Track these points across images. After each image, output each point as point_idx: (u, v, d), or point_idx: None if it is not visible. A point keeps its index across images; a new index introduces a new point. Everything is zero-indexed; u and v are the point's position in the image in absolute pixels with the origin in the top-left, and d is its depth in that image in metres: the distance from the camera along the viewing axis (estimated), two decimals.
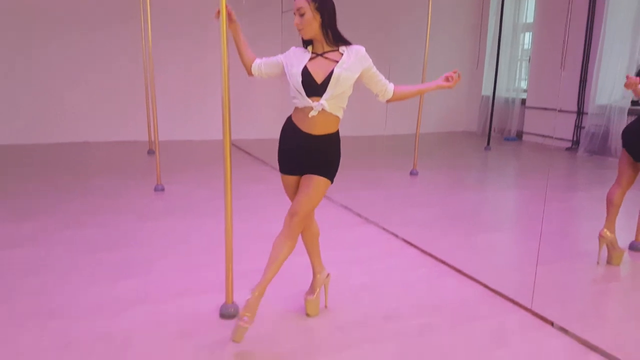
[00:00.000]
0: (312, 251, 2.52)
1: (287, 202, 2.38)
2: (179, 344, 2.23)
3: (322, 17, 2.11)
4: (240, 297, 2.41)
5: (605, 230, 3.22)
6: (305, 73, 2.13)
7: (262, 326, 2.30)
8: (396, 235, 3.78)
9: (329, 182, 2.29)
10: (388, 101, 2.45)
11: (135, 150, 7.04)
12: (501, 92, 8.80)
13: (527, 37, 8.79)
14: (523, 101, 8.68)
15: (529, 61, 8.56)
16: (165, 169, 5.15)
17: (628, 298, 2.97)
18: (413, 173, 5.93)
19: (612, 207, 3.23)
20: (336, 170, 2.34)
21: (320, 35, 2.16)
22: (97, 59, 7.40)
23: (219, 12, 2.22)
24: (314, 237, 2.49)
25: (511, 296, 2.75)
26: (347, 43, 2.22)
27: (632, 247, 3.56)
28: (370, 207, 4.38)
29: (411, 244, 3.59)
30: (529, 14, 8.69)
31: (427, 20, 5.75)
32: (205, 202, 4.50)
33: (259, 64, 2.31)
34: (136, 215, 4.12)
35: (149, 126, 6.85)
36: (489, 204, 5.12)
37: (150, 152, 6.81)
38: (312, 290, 2.52)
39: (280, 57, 2.28)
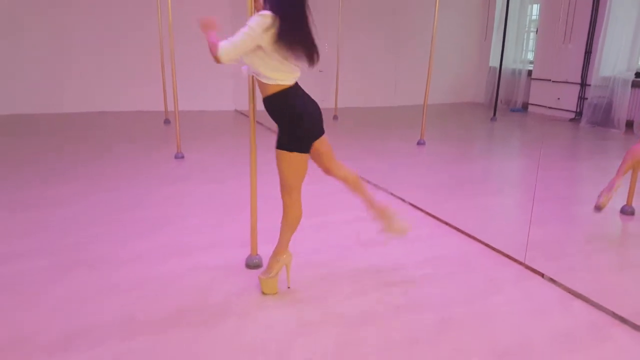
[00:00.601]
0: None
1: None
2: (211, 288, 2.53)
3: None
4: (263, 250, 2.72)
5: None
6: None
7: (283, 276, 2.59)
8: (403, 200, 4.05)
9: (283, 152, 2.32)
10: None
11: (152, 119, 7.31)
12: (508, 64, 8.94)
13: (535, 9, 8.88)
14: (529, 73, 8.82)
15: (536, 33, 8.67)
16: (182, 137, 5.43)
17: (615, 254, 3.25)
18: (420, 143, 6.16)
19: (630, 160, 3.42)
20: (289, 138, 2.31)
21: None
22: (113, 29, 7.62)
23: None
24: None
25: (506, 252, 3.04)
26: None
27: (623, 210, 3.81)
28: (378, 175, 4.63)
29: (417, 207, 3.87)
30: None
31: None
32: (225, 167, 4.81)
33: (229, 44, 2.23)
34: (161, 179, 4.42)
35: (165, 96, 7.10)
36: (491, 172, 5.37)
37: (167, 121, 7.08)
38: (270, 268, 2.51)
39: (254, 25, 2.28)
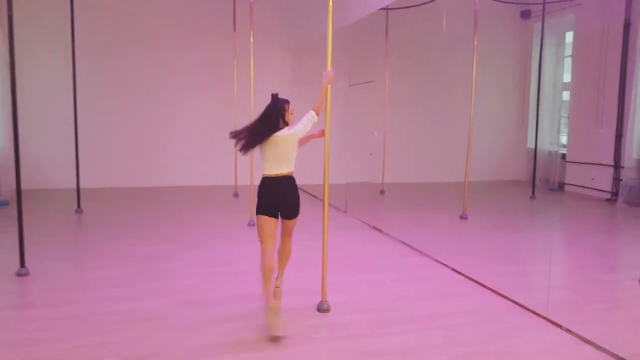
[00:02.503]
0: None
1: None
2: (291, 324, 3.28)
3: None
4: (331, 298, 3.48)
5: None
6: None
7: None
8: (445, 265, 4.73)
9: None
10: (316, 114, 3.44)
11: (222, 192, 8.36)
12: (544, 146, 9.63)
13: (567, 95, 9.66)
14: (563, 155, 9.48)
15: (568, 117, 9.40)
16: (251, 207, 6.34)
17: (626, 313, 3.80)
18: (463, 217, 6.83)
19: None
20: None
21: None
22: (191, 115, 8.91)
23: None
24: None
25: (531, 307, 3.66)
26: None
27: None
28: (423, 242, 5.34)
29: (457, 271, 4.53)
30: (566, 75, 9.60)
31: (472, 77, 6.80)
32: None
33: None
34: (239, 241, 5.32)
35: (236, 172, 8.16)
36: (527, 243, 5.95)
37: (236, 194, 8.11)
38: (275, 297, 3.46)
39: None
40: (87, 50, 7.90)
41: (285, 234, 3.54)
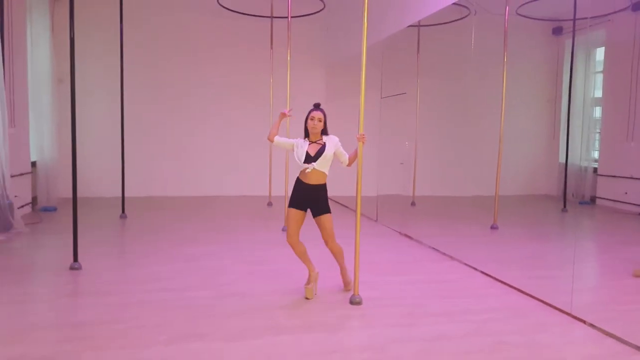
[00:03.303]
0: (303, 258, 3.92)
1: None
2: (326, 313, 3.50)
3: (324, 125, 3.84)
4: (363, 294, 3.69)
5: None
6: (307, 153, 3.81)
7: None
8: (475, 268, 4.88)
9: (330, 214, 3.85)
10: (347, 165, 3.98)
11: (256, 202, 8.68)
12: (575, 160, 9.66)
13: (598, 111, 9.70)
14: (595, 169, 9.48)
15: (600, 132, 9.43)
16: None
17: None
18: (493, 227, 6.94)
19: None
20: (328, 205, 3.89)
21: (318, 133, 3.82)
22: (228, 129, 9.31)
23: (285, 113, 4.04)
24: (302, 253, 3.92)
25: (553, 303, 3.79)
26: (326, 134, 3.87)
27: None
28: (453, 248, 5.50)
29: (486, 274, 4.68)
30: (597, 90, 9.65)
31: (502, 93, 6.98)
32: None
33: (278, 139, 3.96)
34: (276, 243, 5.58)
35: (270, 183, 8.48)
36: (556, 251, 6.04)
37: (269, 204, 8.41)
38: (308, 281, 3.88)
39: (292, 141, 3.94)
40: (134, 69, 8.41)
41: (325, 236, 3.87)
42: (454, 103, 10.24)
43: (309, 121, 3.81)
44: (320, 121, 3.81)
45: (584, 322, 3.52)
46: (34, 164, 7.58)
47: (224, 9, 8.62)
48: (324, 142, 3.84)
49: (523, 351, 3.02)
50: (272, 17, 8.83)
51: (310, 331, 3.22)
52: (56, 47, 7.86)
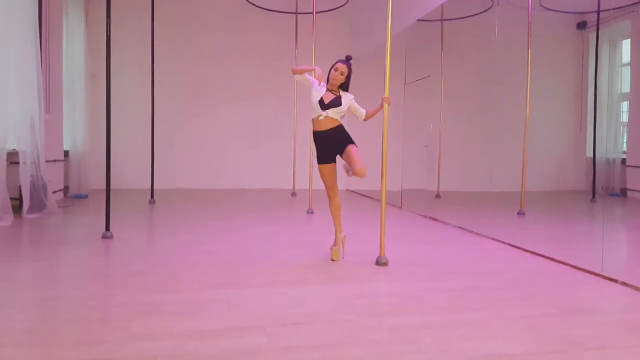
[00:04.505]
0: (336, 218, 3.89)
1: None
2: (356, 270, 3.54)
3: (346, 80, 3.83)
4: (389, 257, 3.71)
5: None
6: (321, 99, 3.77)
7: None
8: (502, 241, 4.85)
9: (355, 145, 3.80)
10: (364, 120, 3.93)
11: (281, 194, 8.77)
12: (603, 153, 9.52)
13: (625, 105, 9.56)
14: (623, 160, 9.32)
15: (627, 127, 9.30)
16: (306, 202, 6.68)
17: None
18: (520, 213, 6.88)
19: None
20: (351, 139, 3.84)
21: (337, 85, 3.82)
22: (253, 123, 9.46)
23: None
24: (337, 208, 3.90)
25: (584, 267, 3.75)
26: (344, 90, 3.88)
27: None
28: (480, 226, 5.47)
29: (514, 246, 4.65)
30: (624, 82, 9.53)
31: (527, 87, 6.96)
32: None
33: (304, 76, 3.90)
34: (304, 224, 5.64)
35: (294, 175, 8.57)
36: (583, 231, 5.96)
37: (293, 194, 8.50)
38: (335, 243, 3.88)
39: (313, 81, 3.88)
40: (164, 66, 8.64)
41: (351, 157, 3.76)
42: (478, 98, 10.22)
43: (332, 71, 3.81)
44: (342, 74, 3.78)
45: (616, 281, 3.48)
46: (66, 153, 7.81)
47: (249, 5, 8.82)
48: (340, 95, 3.84)
49: (556, 299, 3.00)
50: (297, 12, 9.00)
51: (338, 283, 3.26)
52: (90, 42, 8.14)
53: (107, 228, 4.61)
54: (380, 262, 3.75)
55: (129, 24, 8.91)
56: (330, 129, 3.79)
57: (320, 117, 3.77)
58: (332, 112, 3.76)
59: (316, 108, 3.79)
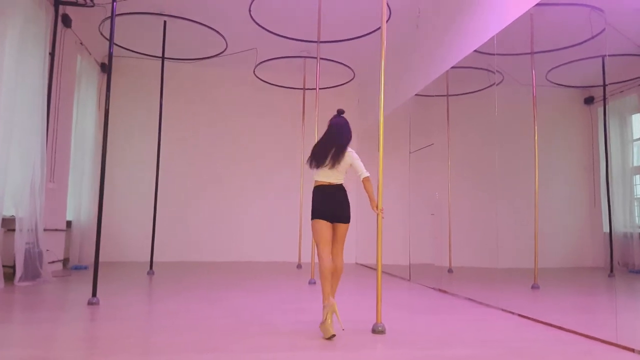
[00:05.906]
0: (328, 280, 3.46)
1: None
2: (350, 338, 3.27)
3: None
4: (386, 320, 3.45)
5: None
6: None
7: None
8: (512, 312, 4.54)
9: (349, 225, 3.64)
10: (362, 180, 3.72)
11: (286, 266, 8.52)
12: (619, 228, 9.20)
13: (638, 178, 9.36)
14: None
15: None
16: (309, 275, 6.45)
17: None
18: (534, 287, 6.52)
19: None
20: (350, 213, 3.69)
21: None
22: (258, 198, 9.41)
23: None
24: (331, 270, 3.53)
25: (597, 336, 3.43)
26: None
27: None
28: (491, 299, 5.17)
29: (524, 316, 4.34)
30: (636, 157, 9.38)
31: (535, 162, 6.87)
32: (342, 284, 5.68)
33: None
34: (302, 291, 5.38)
35: (300, 248, 8.37)
36: (603, 302, 5.60)
37: (299, 266, 8.26)
38: (324, 318, 3.28)
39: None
40: (169, 139, 8.78)
41: (336, 241, 3.60)
42: (486, 173, 10.12)
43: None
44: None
45: (632, 350, 3.16)
46: (69, 224, 7.75)
47: (258, 80, 9.08)
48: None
49: None
50: (304, 88, 9.21)
51: (330, 350, 2.99)
52: (101, 115, 8.33)
53: (94, 294, 4.41)
54: (376, 330, 3.47)
55: (136, 98, 9.12)
56: (336, 185, 3.67)
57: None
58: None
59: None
